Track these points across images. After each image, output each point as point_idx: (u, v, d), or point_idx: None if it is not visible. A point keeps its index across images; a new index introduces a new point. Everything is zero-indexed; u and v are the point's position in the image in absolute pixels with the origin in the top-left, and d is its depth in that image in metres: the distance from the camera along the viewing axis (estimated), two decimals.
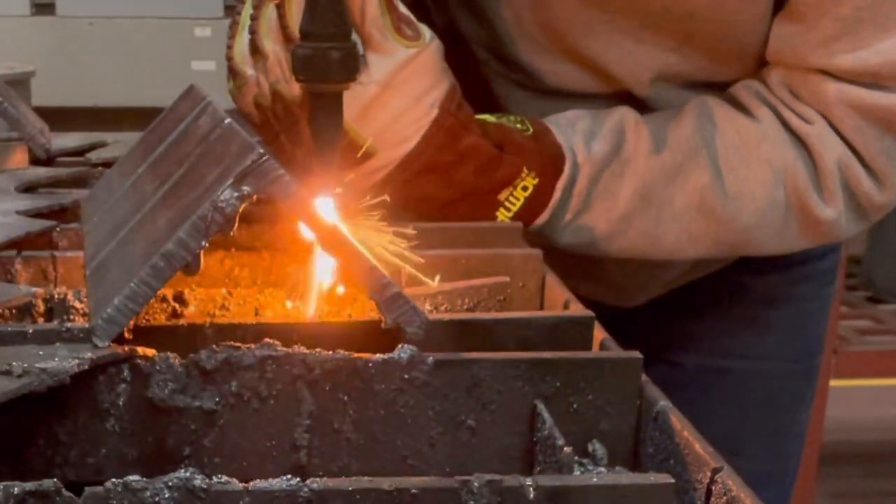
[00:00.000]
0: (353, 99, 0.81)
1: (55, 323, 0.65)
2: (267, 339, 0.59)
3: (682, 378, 1.12)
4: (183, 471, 0.49)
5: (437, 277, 0.73)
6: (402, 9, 0.86)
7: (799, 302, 1.15)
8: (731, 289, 1.13)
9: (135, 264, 0.59)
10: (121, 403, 0.57)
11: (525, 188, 0.90)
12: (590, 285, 0.93)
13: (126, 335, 0.59)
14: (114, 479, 0.48)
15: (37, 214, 0.87)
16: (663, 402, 0.60)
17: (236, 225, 0.59)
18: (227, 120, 0.67)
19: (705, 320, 1.14)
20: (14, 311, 0.68)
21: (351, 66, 0.72)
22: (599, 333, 0.68)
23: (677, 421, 0.58)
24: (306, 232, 0.65)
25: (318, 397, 0.58)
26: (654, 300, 1.13)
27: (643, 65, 0.97)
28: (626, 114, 0.95)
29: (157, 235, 0.60)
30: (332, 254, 0.62)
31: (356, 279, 0.61)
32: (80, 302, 0.69)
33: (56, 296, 0.69)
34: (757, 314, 1.14)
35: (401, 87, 0.84)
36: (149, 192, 0.68)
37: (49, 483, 0.48)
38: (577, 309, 0.72)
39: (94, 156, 1.08)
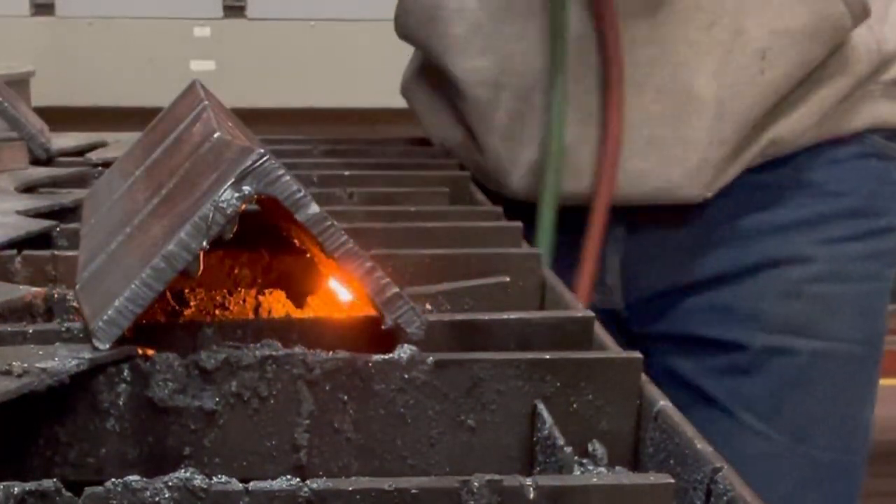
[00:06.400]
0: None
1: (55, 323, 0.65)
2: (267, 339, 0.59)
3: (747, 361, 1.09)
4: (183, 471, 0.49)
5: None
6: None
7: (866, 280, 1.11)
8: (797, 260, 1.09)
9: (132, 269, 0.59)
10: (121, 403, 0.57)
11: None
12: None
13: (126, 334, 0.59)
14: (114, 479, 0.48)
15: (37, 214, 0.87)
16: (663, 402, 0.60)
17: (236, 226, 0.59)
18: (217, 134, 0.66)
19: (770, 298, 1.10)
20: (14, 311, 0.68)
21: None
22: (600, 333, 0.68)
23: (677, 421, 0.58)
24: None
25: (318, 397, 0.58)
26: (718, 279, 1.11)
27: None
28: None
29: (152, 242, 0.60)
30: (330, 255, 0.62)
31: (354, 280, 0.61)
32: None
33: (56, 296, 0.69)
34: (825, 291, 1.10)
35: None
36: (141, 201, 0.68)
37: (49, 483, 0.48)
38: (577, 309, 0.72)
39: (94, 156, 1.08)
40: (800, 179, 1.09)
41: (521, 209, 1.06)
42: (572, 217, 1.06)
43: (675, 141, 1.03)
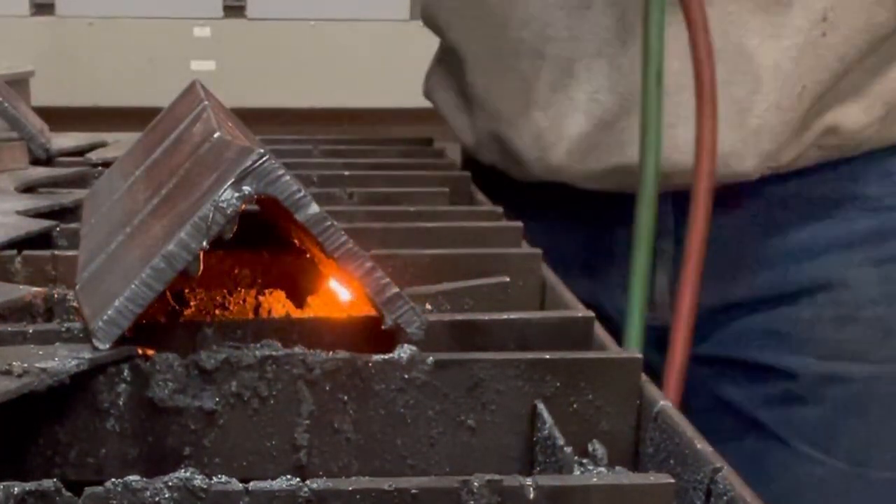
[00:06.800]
0: None
1: (55, 323, 0.65)
2: (267, 339, 0.59)
3: (800, 389, 1.05)
4: (183, 471, 0.49)
5: None
6: None
7: None
8: (853, 282, 1.05)
9: (132, 269, 0.59)
10: (121, 403, 0.57)
11: None
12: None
13: (126, 334, 0.59)
14: (114, 479, 0.48)
15: (37, 214, 0.87)
16: (663, 402, 0.60)
17: (236, 226, 0.59)
18: (217, 134, 0.66)
19: (824, 323, 1.05)
20: (14, 311, 0.68)
21: None
22: (600, 333, 0.68)
23: (677, 421, 0.58)
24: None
25: (318, 397, 0.58)
26: (771, 299, 1.06)
27: None
28: None
29: (152, 242, 0.60)
30: (330, 255, 0.62)
31: (354, 280, 0.61)
32: None
33: (56, 296, 0.69)
34: (880, 314, 1.05)
35: None
36: (141, 201, 0.68)
37: (49, 483, 0.48)
38: (578, 309, 0.72)
39: (94, 156, 1.08)
40: (853, 192, 1.04)
41: (554, 196, 1.04)
42: (595, 201, 1.04)
43: (728, 104, 0.95)
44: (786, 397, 1.06)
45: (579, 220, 1.08)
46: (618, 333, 1.03)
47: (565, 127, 1.02)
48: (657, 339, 1.05)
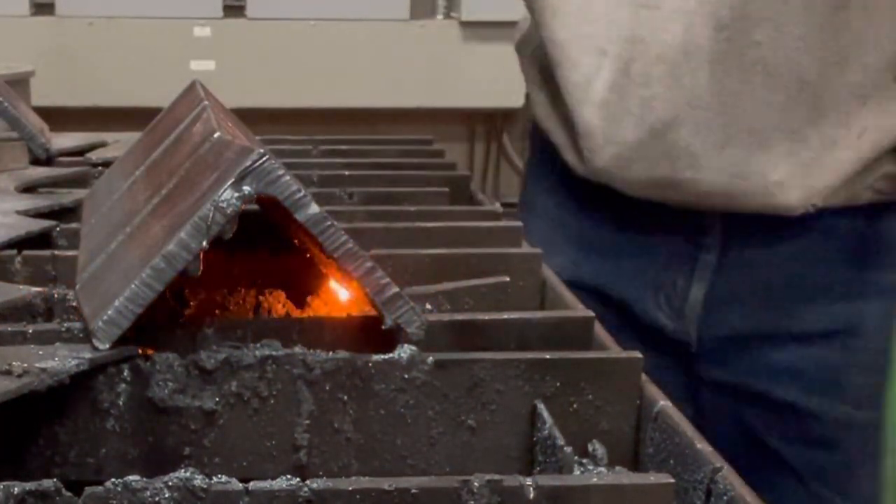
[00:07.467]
0: None
1: (55, 323, 0.65)
2: (267, 339, 0.59)
3: (822, 432, 1.03)
4: (183, 471, 0.49)
5: None
6: None
7: None
8: (883, 331, 1.01)
9: (132, 269, 0.59)
10: (121, 403, 0.57)
11: None
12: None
13: (126, 334, 0.59)
14: (114, 479, 0.49)
15: (37, 214, 0.87)
16: (663, 402, 0.60)
17: (236, 226, 0.59)
18: (217, 134, 0.66)
19: (855, 369, 1.03)
20: (14, 311, 0.68)
21: None
22: (600, 333, 0.68)
23: (677, 421, 0.58)
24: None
25: (318, 397, 0.58)
26: (804, 337, 1.02)
27: None
28: None
29: (152, 241, 0.60)
30: (330, 255, 0.62)
31: (354, 280, 0.61)
32: None
33: (56, 296, 0.69)
34: None
35: None
36: (141, 201, 0.68)
37: (49, 483, 0.48)
38: (578, 309, 0.72)
39: (94, 156, 1.08)
40: None
41: (607, 195, 1.02)
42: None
43: (781, 133, 0.93)
44: (808, 438, 1.04)
45: (627, 224, 1.05)
46: (642, 334, 1.03)
47: (615, 131, 0.99)
48: (679, 353, 1.05)
